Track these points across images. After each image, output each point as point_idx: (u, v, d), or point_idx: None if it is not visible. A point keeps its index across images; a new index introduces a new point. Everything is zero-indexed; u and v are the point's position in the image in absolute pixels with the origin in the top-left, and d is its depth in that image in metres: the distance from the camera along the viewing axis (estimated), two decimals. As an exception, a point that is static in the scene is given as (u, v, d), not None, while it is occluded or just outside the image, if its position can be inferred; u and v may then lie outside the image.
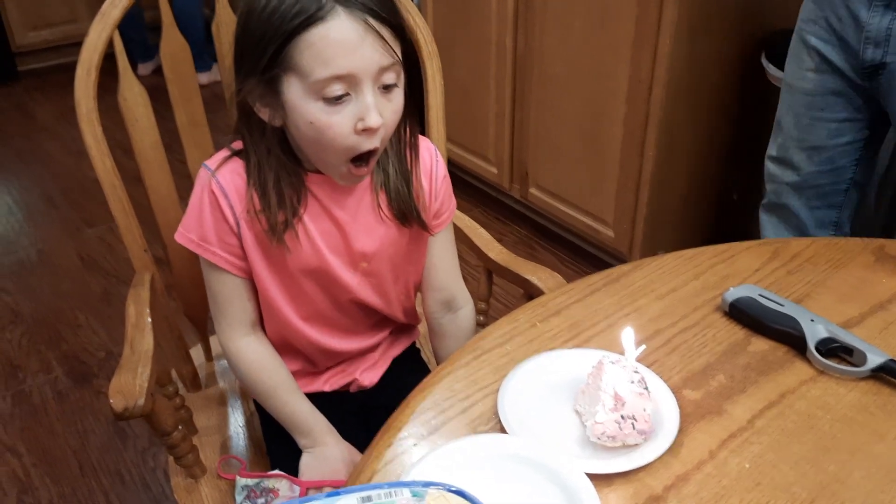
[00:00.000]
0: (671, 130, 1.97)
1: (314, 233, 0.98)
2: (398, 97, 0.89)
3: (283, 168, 0.93)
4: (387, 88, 0.87)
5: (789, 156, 1.63)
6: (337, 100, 0.84)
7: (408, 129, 0.98)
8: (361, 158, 0.90)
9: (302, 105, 0.85)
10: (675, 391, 0.80)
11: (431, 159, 1.04)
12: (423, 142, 1.03)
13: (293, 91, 0.85)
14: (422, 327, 1.24)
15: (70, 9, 3.99)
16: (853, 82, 1.46)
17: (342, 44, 0.82)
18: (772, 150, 1.67)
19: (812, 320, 0.87)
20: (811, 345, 0.85)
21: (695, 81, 1.95)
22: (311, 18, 0.81)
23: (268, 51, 0.83)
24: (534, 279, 1.11)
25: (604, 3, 1.94)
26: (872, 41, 1.38)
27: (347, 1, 0.82)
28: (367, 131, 0.86)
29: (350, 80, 0.84)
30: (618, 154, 2.07)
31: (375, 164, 0.95)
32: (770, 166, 1.69)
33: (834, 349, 0.85)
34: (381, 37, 0.84)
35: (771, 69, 1.90)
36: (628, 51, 1.91)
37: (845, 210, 1.66)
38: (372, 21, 0.83)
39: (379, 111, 0.85)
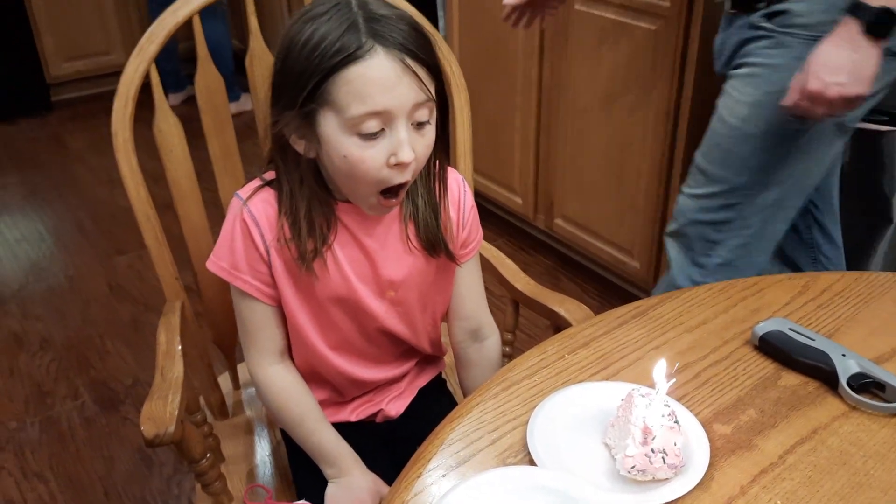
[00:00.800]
0: (697, 162, 1.97)
1: (343, 260, 0.99)
2: (430, 133, 0.91)
3: (315, 197, 0.95)
4: (420, 125, 0.88)
5: None
6: (372, 136, 0.86)
7: (437, 162, 0.99)
8: (391, 191, 0.91)
9: (337, 139, 0.87)
10: (706, 425, 0.80)
11: (459, 190, 1.05)
12: (452, 173, 1.04)
13: (329, 125, 0.87)
14: (447, 358, 1.24)
15: (105, 40, 4.08)
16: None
17: (380, 82, 0.84)
18: None
19: (843, 355, 0.86)
20: (843, 380, 0.84)
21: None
22: (351, 57, 0.83)
23: (307, 86, 0.85)
24: (561, 311, 1.11)
25: (629, 37, 1.95)
26: (716, 54, 1.48)
27: (386, 40, 0.84)
28: (400, 166, 0.87)
29: (385, 117, 0.85)
30: (643, 185, 2.07)
31: (405, 195, 0.96)
32: None
33: (866, 384, 0.84)
34: (418, 76, 0.85)
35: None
36: (654, 84, 1.92)
37: (818, 232, 1.67)
38: (409, 61, 0.84)
39: (411, 146, 0.87)
